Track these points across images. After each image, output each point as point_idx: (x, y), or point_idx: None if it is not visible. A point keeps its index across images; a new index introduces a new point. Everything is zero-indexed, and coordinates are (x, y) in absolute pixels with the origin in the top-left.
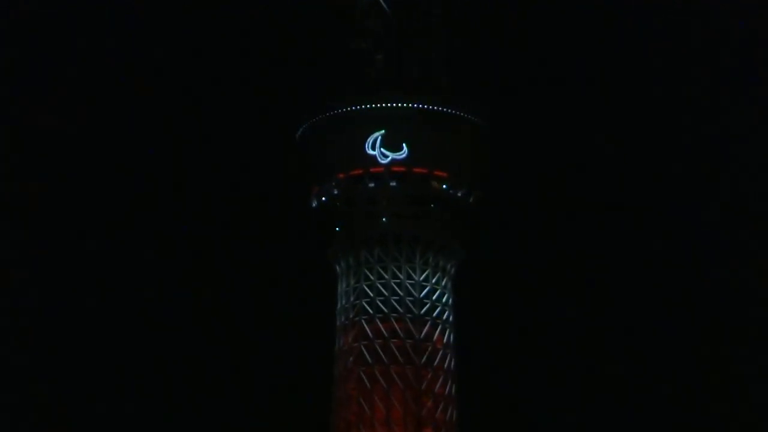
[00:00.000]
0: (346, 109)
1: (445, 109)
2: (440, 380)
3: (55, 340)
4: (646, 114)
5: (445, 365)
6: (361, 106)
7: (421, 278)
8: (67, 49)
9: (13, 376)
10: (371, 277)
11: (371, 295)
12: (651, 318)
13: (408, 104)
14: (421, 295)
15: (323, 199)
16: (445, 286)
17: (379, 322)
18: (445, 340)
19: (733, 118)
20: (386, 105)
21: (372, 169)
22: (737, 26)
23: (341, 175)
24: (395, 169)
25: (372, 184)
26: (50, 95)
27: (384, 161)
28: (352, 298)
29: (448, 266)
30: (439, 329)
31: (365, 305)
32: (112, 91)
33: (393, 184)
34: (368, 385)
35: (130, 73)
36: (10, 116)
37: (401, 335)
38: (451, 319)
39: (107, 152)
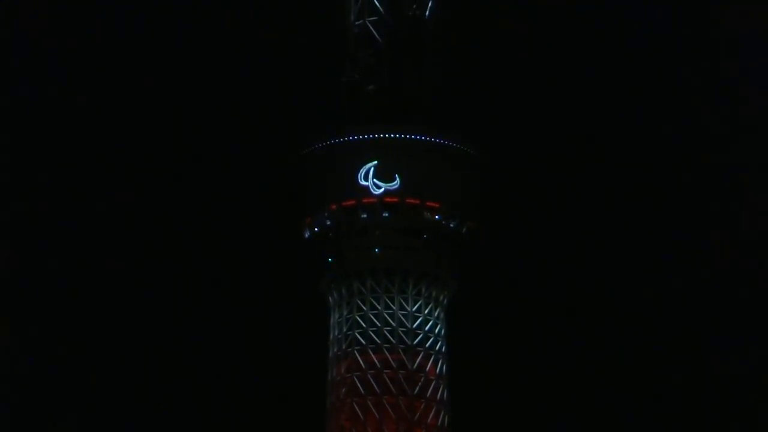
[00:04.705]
0: (339, 139)
1: (437, 140)
2: (433, 411)
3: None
4: (643, 140)
5: (438, 396)
6: (353, 137)
7: (414, 309)
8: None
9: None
10: (364, 308)
11: (364, 326)
12: (647, 345)
13: (400, 135)
14: (414, 326)
15: (315, 230)
16: (437, 317)
17: (371, 353)
18: (437, 371)
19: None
20: (379, 136)
21: (365, 200)
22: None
23: (334, 206)
24: (388, 200)
25: (364, 215)
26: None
27: (377, 192)
28: (344, 329)
29: (441, 297)
30: (431, 360)
31: (358, 336)
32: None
33: (385, 215)
34: (361, 416)
35: (123, 99)
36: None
37: (394, 366)
38: (443, 349)
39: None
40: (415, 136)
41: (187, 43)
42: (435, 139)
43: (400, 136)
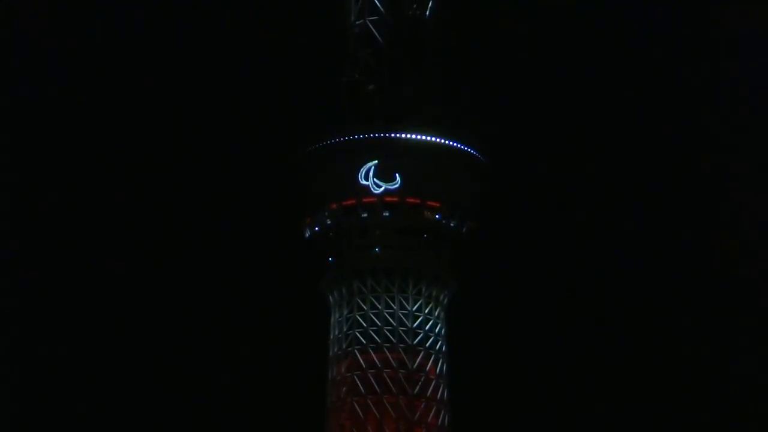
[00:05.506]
0: (339, 139)
1: (438, 139)
2: (433, 410)
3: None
4: (643, 140)
5: (438, 395)
6: (354, 137)
7: (414, 308)
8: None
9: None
10: (364, 308)
11: (364, 325)
12: (647, 345)
13: (400, 135)
14: (414, 326)
15: (316, 229)
16: (437, 317)
17: (372, 353)
18: (437, 370)
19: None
20: (379, 136)
21: (365, 200)
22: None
23: (334, 206)
24: (388, 199)
25: (365, 215)
26: None
27: (377, 191)
28: (345, 329)
29: (441, 296)
30: (432, 359)
31: (358, 335)
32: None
33: (386, 214)
34: (361, 415)
35: (123, 99)
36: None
37: (394, 365)
38: (443, 349)
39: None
40: (415, 136)
41: (187, 43)
42: (435, 139)
43: (400, 136)
